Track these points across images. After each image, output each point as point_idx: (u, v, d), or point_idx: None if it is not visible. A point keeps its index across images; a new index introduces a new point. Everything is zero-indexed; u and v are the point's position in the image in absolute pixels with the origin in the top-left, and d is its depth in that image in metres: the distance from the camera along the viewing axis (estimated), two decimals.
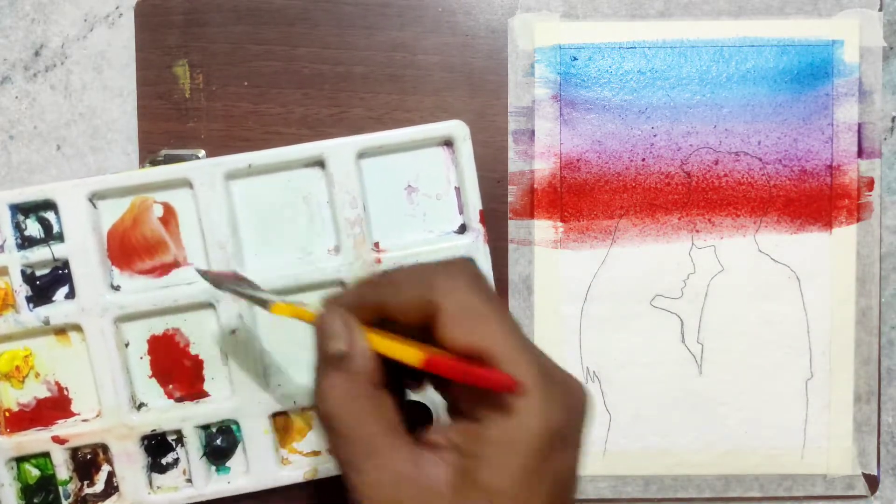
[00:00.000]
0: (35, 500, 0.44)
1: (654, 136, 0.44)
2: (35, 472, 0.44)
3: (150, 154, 0.44)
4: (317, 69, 0.44)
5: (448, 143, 0.44)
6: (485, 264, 0.44)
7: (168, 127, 0.44)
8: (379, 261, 0.43)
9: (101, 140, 0.45)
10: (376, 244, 0.44)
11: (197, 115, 0.44)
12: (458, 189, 0.44)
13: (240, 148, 0.44)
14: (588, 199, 0.45)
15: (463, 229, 0.44)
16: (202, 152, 0.44)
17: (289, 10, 0.44)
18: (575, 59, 0.44)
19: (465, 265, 0.28)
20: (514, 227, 0.45)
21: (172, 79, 0.44)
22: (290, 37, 0.44)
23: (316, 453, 0.45)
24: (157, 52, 0.44)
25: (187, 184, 0.43)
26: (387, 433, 0.26)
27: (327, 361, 0.27)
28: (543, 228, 0.45)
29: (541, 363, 0.26)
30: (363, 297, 0.28)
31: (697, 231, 0.45)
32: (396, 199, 0.44)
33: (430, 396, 0.46)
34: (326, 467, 0.44)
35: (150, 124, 0.44)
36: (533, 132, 0.44)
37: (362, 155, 0.43)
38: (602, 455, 0.45)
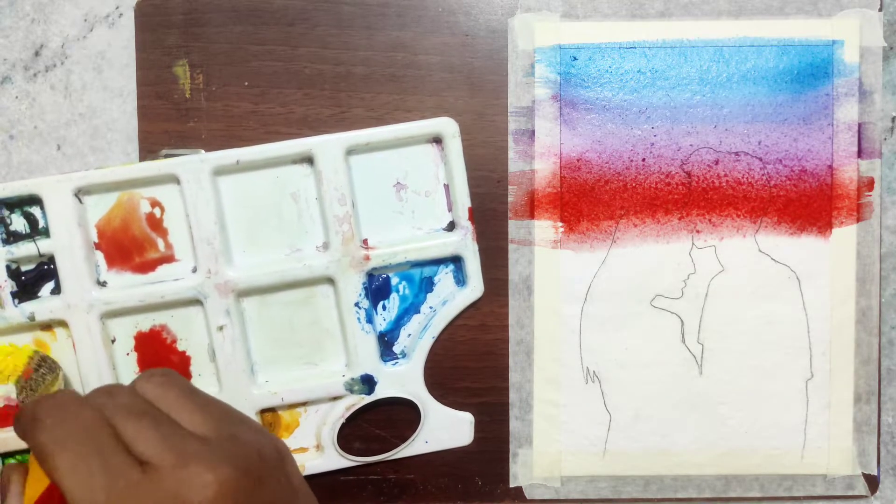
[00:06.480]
0: None
1: (654, 136, 0.44)
2: None
3: (150, 154, 0.44)
4: (317, 69, 0.44)
5: (437, 140, 0.44)
6: (474, 262, 0.44)
7: (168, 127, 0.44)
8: (367, 258, 0.43)
9: (101, 140, 0.45)
10: (365, 241, 0.44)
11: (197, 115, 0.44)
12: (447, 186, 0.44)
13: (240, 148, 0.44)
14: (588, 199, 0.45)
15: (452, 227, 0.44)
16: (202, 152, 0.44)
17: (289, 10, 0.44)
18: (575, 59, 0.44)
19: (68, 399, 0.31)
20: (514, 227, 0.45)
21: (172, 79, 0.44)
22: (290, 37, 0.44)
23: (303, 450, 0.45)
24: (157, 52, 0.44)
25: (175, 180, 0.43)
26: None
27: None
28: (543, 228, 0.45)
29: (182, 434, 0.29)
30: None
31: (698, 231, 0.45)
32: (385, 196, 0.44)
33: (418, 394, 0.46)
34: (314, 464, 0.44)
35: (150, 124, 0.44)
36: (533, 132, 0.44)
37: (351, 151, 0.43)
38: (602, 455, 0.45)
